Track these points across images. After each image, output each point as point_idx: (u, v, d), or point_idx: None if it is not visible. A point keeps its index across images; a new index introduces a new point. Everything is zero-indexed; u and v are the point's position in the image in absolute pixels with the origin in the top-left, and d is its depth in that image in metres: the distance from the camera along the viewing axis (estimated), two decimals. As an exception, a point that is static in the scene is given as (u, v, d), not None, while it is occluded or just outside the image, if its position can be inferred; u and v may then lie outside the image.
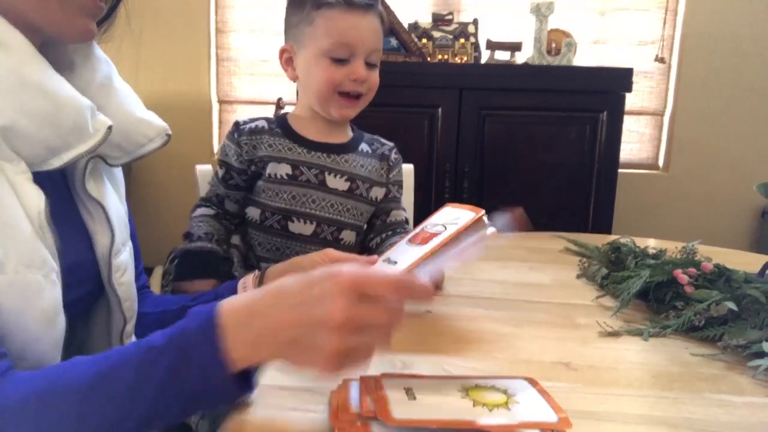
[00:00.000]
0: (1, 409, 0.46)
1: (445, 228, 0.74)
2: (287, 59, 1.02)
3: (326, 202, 0.99)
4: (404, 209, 1.09)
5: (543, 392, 0.53)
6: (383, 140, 1.09)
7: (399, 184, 1.09)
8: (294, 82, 1.03)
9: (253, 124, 1.01)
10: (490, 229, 0.73)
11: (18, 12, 0.57)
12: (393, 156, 1.07)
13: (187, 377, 0.48)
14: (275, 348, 0.49)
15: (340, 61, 0.95)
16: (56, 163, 0.59)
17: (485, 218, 0.73)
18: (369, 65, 0.97)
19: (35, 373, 0.50)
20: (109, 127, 0.62)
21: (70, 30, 0.60)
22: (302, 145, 0.99)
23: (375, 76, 0.99)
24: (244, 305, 0.50)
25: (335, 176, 0.99)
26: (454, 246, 0.71)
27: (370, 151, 1.05)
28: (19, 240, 0.53)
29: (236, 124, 1.01)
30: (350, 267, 0.49)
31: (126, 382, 0.47)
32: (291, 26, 1.00)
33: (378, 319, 0.49)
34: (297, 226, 0.98)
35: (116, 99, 0.68)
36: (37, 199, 0.56)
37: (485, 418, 0.48)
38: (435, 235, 0.74)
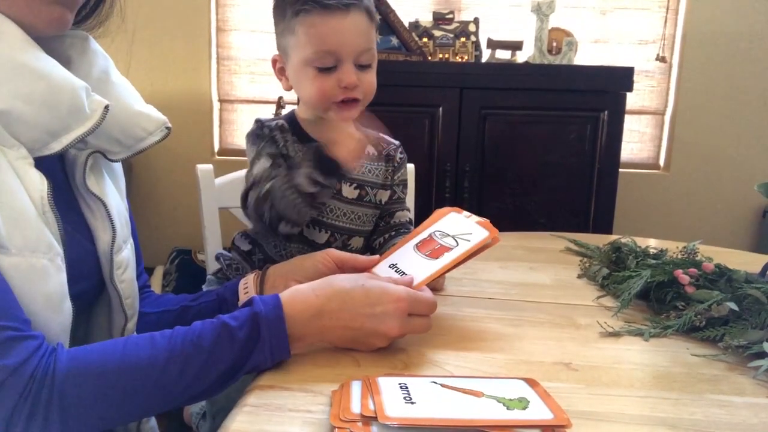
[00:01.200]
0: (70, 376, 0.52)
1: (457, 243, 0.74)
2: (279, 69, 0.97)
3: (340, 211, 0.97)
4: (408, 209, 1.07)
5: (543, 394, 0.53)
6: (388, 139, 1.06)
7: (404, 184, 1.06)
8: (289, 91, 0.99)
9: (279, 122, 0.95)
10: (494, 238, 0.73)
11: None
12: (398, 156, 1.05)
13: (256, 354, 0.58)
14: (333, 339, 0.64)
15: (327, 70, 0.89)
16: (56, 146, 0.59)
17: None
18: (361, 67, 0.91)
19: (91, 347, 0.57)
20: (106, 107, 0.61)
21: (36, 19, 0.59)
22: None
23: (369, 78, 0.93)
24: (312, 306, 0.62)
25: (347, 184, 0.97)
26: (463, 259, 0.72)
27: (375, 153, 1.02)
28: (23, 223, 0.54)
29: (259, 120, 0.96)
30: (402, 291, 0.64)
31: (204, 349, 0.57)
32: (278, 35, 0.96)
33: (419, 331, 0.67)
34: (312, 233, 0.96)
35: (114, 93, 0.68)
36: (40, 183, 0.56)
37: (484, 418, 0.48)
38: (447, 249, 0.74)
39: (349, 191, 0.97)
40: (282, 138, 0.94)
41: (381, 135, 1.06)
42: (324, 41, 0.88)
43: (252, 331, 0.58)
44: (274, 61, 0.98)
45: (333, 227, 0.96)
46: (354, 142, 0.85)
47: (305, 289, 0.64)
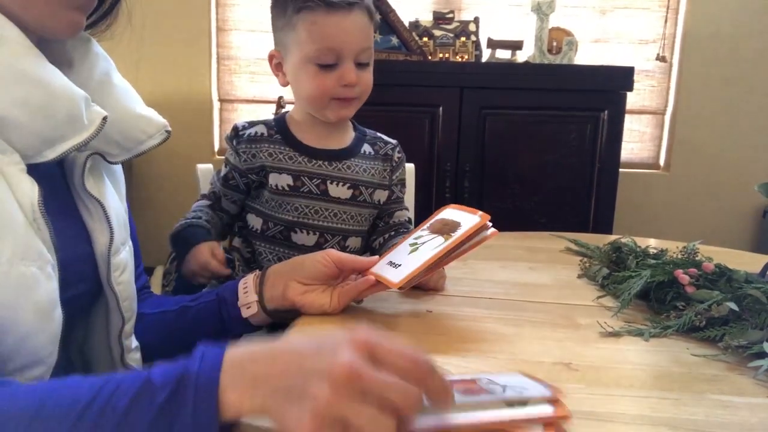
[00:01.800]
0: None
1: (451, 235, 0.74)
2: (277, 64, 0.97)
3: (329, 212, 0.96)
4: (407, 208, 1.07)
5: (533, 377, 0.54)
6: (386, 138, 1.06)
7: (402, 183, 1.06)
8: (285, 87, 0.99)
9: (252, 130, 0.97)
10: (491, 230, 0.73)
11: (5, 8, 0.56)
12: (396, 155, 1.04)
13: (177, 419, 0.44)
14: (268, 395, 0.43)
15: (327, 67, 0.91)
16: (50, 155, 0.58)
17: (488, 222, 0.73)
18: (360, 65, 0.93)
19: (10, 393, 0.46)
20: (104, 119, 0.61)
21: (54, 24, 0.59)
22: (303, 153, 0.96)
23: (367, 77, 0.95)
24: (250, 351, 0.46)
25: (337, 184, 0.97)
26: (457, 250, 0.71)
27: (372, 153, 1.02)
28: (12, 232, 0.53)
29: (235, 128, 0.98)
30: (368, 329, 0.44)
31: (118, 412, 0.44)
32: (276, 30, 0.96)
33: (385, 392, 0.40)
34: (300, 237, 0.96)
35: (115, 95, 0.67)
36: (30, 190, 0.55)
37: (484, 418, 0.48)
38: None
39: (340, 191, 0.97)
40: (248, 150, 0.96)
41: (378, 134, 1.06)
42: (326, 38, 0.89)
43: (173, 393, 0.45)
44: (271, 57, 0.98)
45: (322, 228, 0.96)
46: (210, 268, 0.89)
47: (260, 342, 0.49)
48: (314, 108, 0.95)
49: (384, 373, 0.41)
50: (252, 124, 0.98)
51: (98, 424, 0.43)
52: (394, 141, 1.06)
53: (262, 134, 0.97)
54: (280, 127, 0.98)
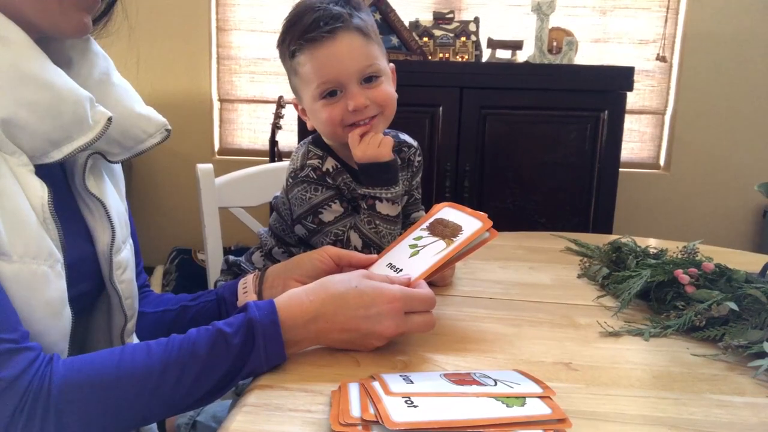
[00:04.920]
0: (66, 387, 0.52)
1: (452, 240, 0.74)
2: (302, 110, 0.95)
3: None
4: (423, 209, 1.05)
5: (527, 374, 0.55)
6: (409, 141, 1.02)
7: (418, 184, 1.05)
8: (313, 130, 0.96)
9: (328, 165, 0.91)
10: (492, 233, 0.73)
11: (15, 8, 0.57)
12: (416, 160, 1.02)
13: (252, 360, 0.58)
14: (330, 342, 0.64)
15: (334, 97, 0.87)
16: (56, 155, 0.59)
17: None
18: (368, 80, 0.88)
19: (87, 357, 0.56)
20: (109, 119, 0.62)
21: (67, 25, 0.60)
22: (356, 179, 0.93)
23: (378, 92, 0.89)
24: (306, 310, 0.62)
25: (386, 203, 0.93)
26: (459, 252, 0.71)
27: (399, 162, 0.98)
28: (25, 231, 0.54)
29: (313, 169, 0.91)
30: (397, 290, 0.64)
31: (201, 357, 0.57)
32: (289, 79, 0.95)
33: (419, 329, 0.66)
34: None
35: (114, 94, 0.68)
36: (40, 191, 0.56)
37: (484, 417, 0.48)
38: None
39: (390, 209, 0.92)
40: (342, 181, 0.91)
41: (400, 135, 1.01)
42: (321, 73, 0.86)
43: (247, 337, 0.58)
44: (295, 105, 0.97)
45: (366, 239, 0.91)
46: (363, 138, 0.88)
47: (299, 293, 0.64)
48: (336, 142, 0.93)
49: (415, 320, 0.65)
50: (318, 156, 0.92)
51: (184, 370, 0.56)
52: (415, 144, 1.03)
53: (336, 166, 0.92)
54: (333, 155, 0.94)
